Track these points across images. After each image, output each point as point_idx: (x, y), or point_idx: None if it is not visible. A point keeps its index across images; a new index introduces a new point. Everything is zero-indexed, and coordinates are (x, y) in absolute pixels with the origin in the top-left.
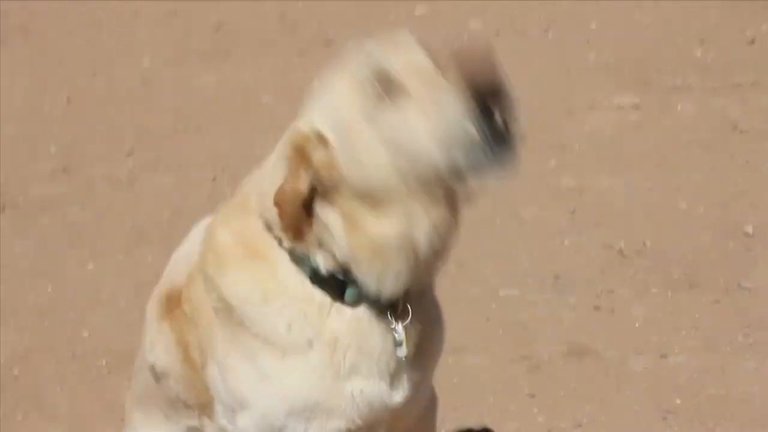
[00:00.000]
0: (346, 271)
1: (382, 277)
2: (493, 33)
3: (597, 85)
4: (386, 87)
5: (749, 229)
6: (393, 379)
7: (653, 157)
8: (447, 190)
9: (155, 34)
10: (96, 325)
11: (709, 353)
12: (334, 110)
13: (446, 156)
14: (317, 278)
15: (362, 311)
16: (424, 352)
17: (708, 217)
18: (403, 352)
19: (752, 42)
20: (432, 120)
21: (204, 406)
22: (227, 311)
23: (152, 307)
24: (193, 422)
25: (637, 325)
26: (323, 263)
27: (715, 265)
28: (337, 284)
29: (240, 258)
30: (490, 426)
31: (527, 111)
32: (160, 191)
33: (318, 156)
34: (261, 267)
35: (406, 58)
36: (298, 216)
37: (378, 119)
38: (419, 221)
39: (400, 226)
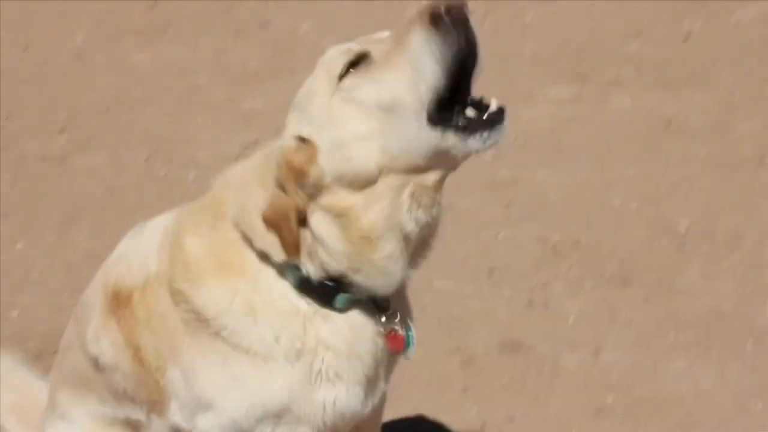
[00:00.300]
0: (339, 278)
1: (386, 269)
2: None
3: (534, 77)
4: (355, 64)
5: (682, 228)
6: (371, 386)
7: (589, 151)
8: (428, 157)
9: (89, 10)
10: (26, 305)
11: (641, 351)
12: (310, 105)
13: (425, 95)
14: (304, 286)
15: (354, 316)
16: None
17: (641, 214)
18: (412, 353)
19: (687, 38)
20: (400, 65)
21: (154, 403)
22: (200, 323)
23: (95, 297)
24: (137, 416)
25: (570, 321)
26: (314, 272)
27: (648, 262)
28: (326, 291)
29: (214, 270)
30: (424, 418)
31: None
32: (92, 170)
33: (300, 158)
34: (238, 280)
35: (377, 43)
36: (296, 233)
37: (345, 90)
38: (404, 200)
39: (387, 208)
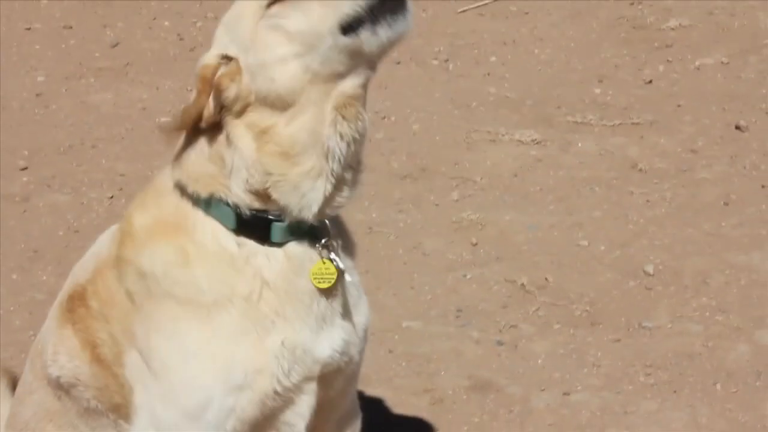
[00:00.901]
0: (266, 200)
1: (301, 186)
2: (394, 62)
3: (498, 119)
4: None
5: (650, 269)
6: (321, 325)
7: (554, 193)
8: (347, 62)
9: (50, 49)
10: None
11: (611, 392)
12: (237, 27)
13: (341, 20)
14: (241, 225)
15: (292, 247)
16: (346, 301)
17: (609, 256)
18: (353, 276)
19: (650, 82)
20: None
21: (119, 408)
22: (148, 287)
23: (52, 318)
24: (109, 431)
25: (539, 362)
26: (240, 197)
27: (616, 303)
28: (261, 223)
29: (159, 234)
30: None
31: (429, 143)
32: (55, 209)
33: (223, 73)
34: (181, 234)
35: None
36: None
37: (277, 18)
38: (327, 114)
39: (309, 122)
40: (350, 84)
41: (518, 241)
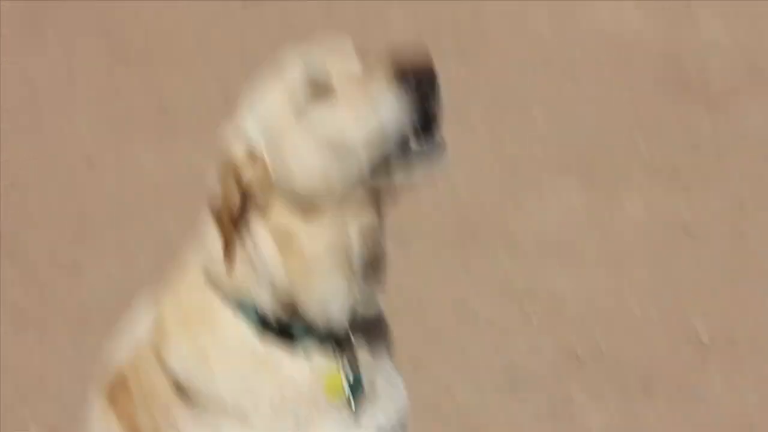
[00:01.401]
0: (292, 311)
1: (328, 303)
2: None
3: (545, 181)
4: (316, 90)
5: (704, 337)
6: (350, 426)
7: (604, 257)
8: (373, 190)
9: (97, 113)
10: (43, 417)
11: None
12: (265, 116)
13: (375, 146)
14: (265, 328)
15: (316, 359)
16: (379, 399)
17: (662, 323)
18: (382, 369)
19: (698, 141)
20: (361, 112)
21: None
22: (182, 390)
23: (96, 403)
24: None
25: None
26: (268, 303)
27: (670, 372)
28: (286, 334)
29: (181, 326)
30: None
31: (476, 207)
32: (106, 277)
33: (252, 180)
34: (203, 330)
35: (338, 63)
36: (235, 225)
37: (307, 119)
38: (349, 226)
39: (331, 234)
40: (369, 213)
41: (570, 307)
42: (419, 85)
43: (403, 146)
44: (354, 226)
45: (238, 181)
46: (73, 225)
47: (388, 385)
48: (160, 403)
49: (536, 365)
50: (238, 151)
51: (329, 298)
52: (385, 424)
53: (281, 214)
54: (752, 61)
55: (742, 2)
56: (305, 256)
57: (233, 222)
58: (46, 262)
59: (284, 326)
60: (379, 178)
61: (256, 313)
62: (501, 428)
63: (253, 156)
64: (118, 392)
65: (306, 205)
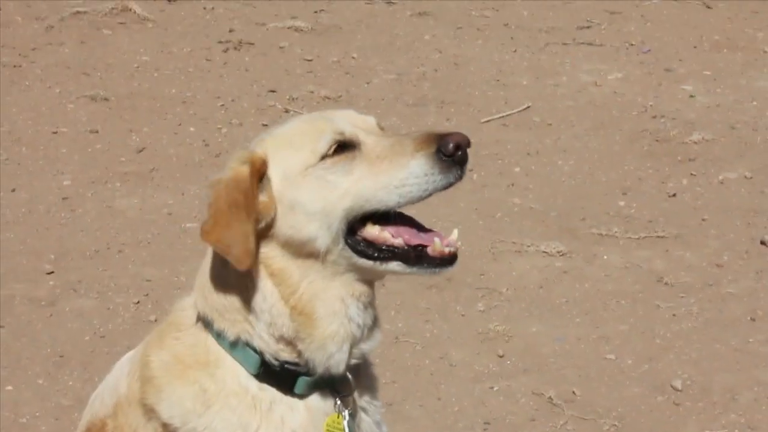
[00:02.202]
0: (293, 351)
1: (327, 347)
2: None
3: (523, 230)
4: (341, 146)
5: (678, 384)
6: None
7: (580, 306)
8: (356, 263)
9: (76, 152)
10: None
11: None
12: (289, 158)
13: (390, 203)
14: (266, 371)
15: (314, 401)
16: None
17: (636, 370)
18: (373, 414)
19: (674, 195)
20: (385, 171)
21: None
22: None
23: None
24: None
25: None
26: (267, 344)
27: (644, 418)
28: (286, 375)
29: (179, 374)
30: None
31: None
32: (81, 314)
33: (265, 202)
34: (201, 373)
35: (361, 123)
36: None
37: (325, 172)
38: (339, 288)
39: (323, 291)
40: (359, 284)
41: (545, 354)
42: (457, 161)
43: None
44: (345, 290)
45: (257, 183)
46: (50, 262)
47: (374, 425)
48: None
49: (510, 409)
50: (263, 156)
51: (327, 343)
52: None
53: (275, 254)
54: (729, 118)
55: (720, 63)
56: (304, 302)
57: (253, 222)
58: (21, 296)
59: (284, 368)
60: (368, 258)
61: (255, 352)
62: None
63: (267, 180)
64: None
65: (300, 251)
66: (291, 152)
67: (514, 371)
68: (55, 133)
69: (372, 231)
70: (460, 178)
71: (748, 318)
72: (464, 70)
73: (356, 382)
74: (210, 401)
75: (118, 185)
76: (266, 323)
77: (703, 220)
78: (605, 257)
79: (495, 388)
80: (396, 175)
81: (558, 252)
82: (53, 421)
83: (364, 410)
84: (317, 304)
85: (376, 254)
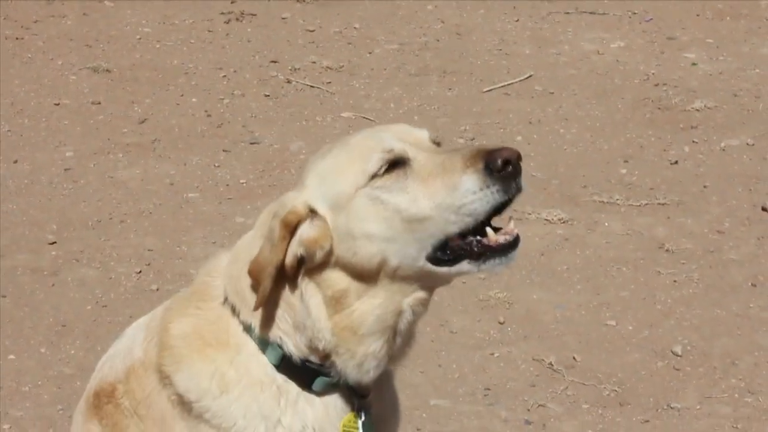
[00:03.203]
0: (323, 358)
1: (365, 364)
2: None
3: (524, 198)
4: (391, 165)
5: (678, 349)
6: None
7: (581, 273)
8: (430, 276)
9: (78, 124)
10: (17, 418)
11: None
12: (334, 184)
13: (443, 225)
14: (286, 365)
15: (333, 399)
16: (382, 416)
17: (637, 335)
18: (391, 396)
19: (675, 162)
20: (438, 190)
21: None
22: (184, 405)
23: (78, 413)
24: None
25: None
26: (297, 349)
27: (645, 383)
28: (306, 372)
29: (198, 349)
30: None
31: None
32: (83, 284)
33: (308, 231)
34: (221, 355)
35: (412, 138)
36: (269, 287)
37: (380, 193)
38: (402, 302)
39: (380, 309)
40: (423, 292)
41: (546, 320)
42: (509, 176)
43: (477, 244)
44: (407, 299)
45: (290, 233)
46: (52, 233)
47: (389, 413)
48: (155, 414)
49: (511, 375)
50: (299, 205)
51: (367, 360)
52: None
53: (337, 277)
54: (731, 85)
55: (723, 31)
56: (353, 319)
57: (274, 277)
58: (24, 266)
59: (306, 366)
60: (441, 264)
61: (281, 350)
62: None
63: (314, 213)
64: (104, 402)
65: (364, 273)
66: (339, 178)
67: (514, 338)
68: (57, 104)
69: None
70: (519, 190)
71: (749, 284)
72: (466, 39)
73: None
74: (228, 386)
75: (120, 156)
76: (306, 337)
77: (705, 187)
78: (606, 224)
79: (495, 355)
80: (453, 194)
81: (559, 219)
82: (55, 390)
83: (380, 405)
84: (369, 320)
85: (446, 258)
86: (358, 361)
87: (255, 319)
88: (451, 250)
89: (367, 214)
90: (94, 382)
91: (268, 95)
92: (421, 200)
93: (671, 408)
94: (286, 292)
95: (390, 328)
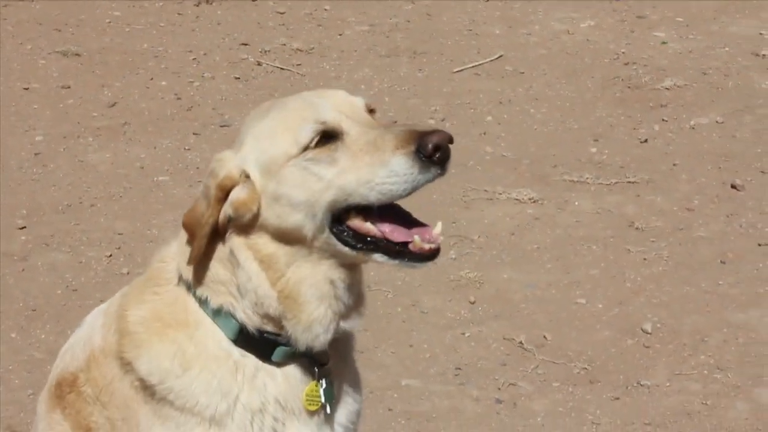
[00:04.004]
0: (278, 327)
1: (313, 329)
2: (390, 120)
3: (495, 178)
4: (324, 136)
5: (648, 327)
6: (321, 429)
7: (552, 252)
8: (338, 250)
9: (48, 108)
10: None
11: None
12: (267, 148)
13: (368, 197)
14: (244, 338)
15: (293, 370)
16: (342, 401)
17: (607, 314)
18: (350, 368)
19: (645, 141)
20: (366, 164)
21: None
22: (147, 390)
23: (41, 402)
24: None
25: (539, 420)
26: (248, 318)
27: (614, 361)
28: (264, 343)
29: (157, 332)
30: None
31: (426, 202)
32: (53, 268)
33: (239, 193)
34: (180, 333)
35: (351, 115)
36: (204, 244)
37: (309, 164)
38: (328, 274)
39: (310, 276)
40: (343, 268)
41: (516, 299)
42: (438, 160)
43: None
44: (333, 272)
45: (225, 195)
46: (22, 217)
47: (350, 387)
48: (118, 401)
49: (482, 355)
50: (234, 169)
51: (314, 325)
52: (347, 420)
53: (264, 242)
54: (700, 64)
55: (692, 9)
56: (290, 287)
57: (208, 235)
58: None
59: (264, 337)
60: (350, 247)
61: (235, 321)
62: (447, 415)
63: (246, 178)
64: (66, 392)
65: (287, 239)
66: (273, 144)
67: (485, 317)
68: (27, 89)
69: (357, 222)
70: (441, 174)
71: (718, 261)
72: (437, 20)
73: (333, 350)
74: (189, 364)
75: (90, 140)
76: (251, 302)
77: (674, 165)
78: (576, 203)
79: (466, 334)
80: (377, 173)
81: (530, 199)
82: (26, 375)
83: (341, 373)
84: (303, 289)
85: (360, 245)
86: (305, 326)
87: (207, 291)
88: (366, 242)
89: (295, 183)
90: (56, 372)
91: (238, 78)
92: (348, 174)
93: (641, 385)
94: (227, 255)
95: (328, 295)
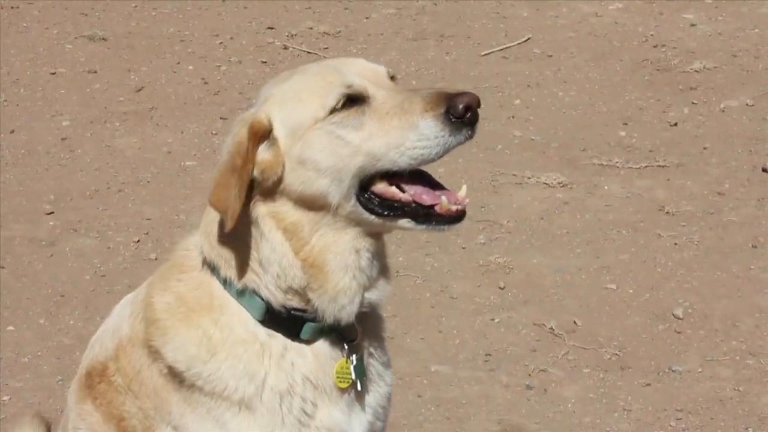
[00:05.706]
0: (304, 301)
1: (339, 299)
2: None
3: (523, 162)
4: (349, 100)
5: (679, 312)
6: (351, 410)
7: (581, 236)
8: (363, 218)
9: (75, 93)
10: (17, 389)
11: None
12: (293, 111)
13: (397, 163)
14: (271, 318)
15: (323, 347)
16: (372, 384)
17: (637, 299)
18: (381, 355)
19: (675, 124)
20: (394, 128)
21: None
22: (176, 377)
23: (71, 393)
24: None
25: (569, 406)
26: (271, 294)
27: (646, 347)
28: (292, 321)
29: (182, 317)
30: None
31: (455, 186)
32: (81, 253)
33: (264, 153)
34: (206, 318)
35: (371, 74)
36: (241, 196)
37: (335, 128)
38: (353, 243)
39: (334, 245)
40: (368, 237)
41: (546, 285)
42: (467, 122)
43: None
44: (358, 241)
45: (256, 142)
46: (49, 203)
47: (381, 368)
48: (149, 389)
49: (512, 340)
50: (261, 114)
51: (339, 296)
52: (376, 404)
53: (287, 210)
54: (730, 46)
55: None
56: (315, 256)
57: (246, 187)
58: (21, 237)
59: (291, 315)
60: (376, 214)
61: (261, 300)
62: (476, 401)
63: (273, 139)
64: (96, 382)
65: (311, 206)
66: (298, 107)
67: (514, 303)
68: (54, 73)
69: (382, 187)
70: (470, 137)
71: (750, 245)
72: (463, 3)
73: (363, 327)
74: (215, 348)
75: (117, 125)
76: (274, 275)
77: (705, 148)
78: (606, 187)
79: (496, 320)
80: (407, 136)
81: (559, 183)
82: (55, 361)
83: (371, 355)
84: (329, 257)
85: (386, 212)
86: (331, 296)
87: (231, 270)
88: (392, 208)
89: (321, 147)
90: (86, 362)
91: (265, 62)
92: (376, 138)
93: (672, 371)
94: (249, 229)
95: (353, 265)
